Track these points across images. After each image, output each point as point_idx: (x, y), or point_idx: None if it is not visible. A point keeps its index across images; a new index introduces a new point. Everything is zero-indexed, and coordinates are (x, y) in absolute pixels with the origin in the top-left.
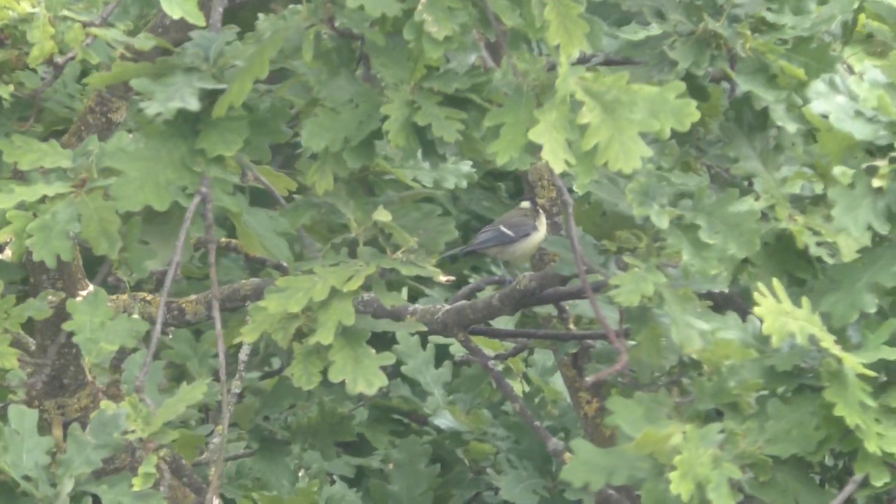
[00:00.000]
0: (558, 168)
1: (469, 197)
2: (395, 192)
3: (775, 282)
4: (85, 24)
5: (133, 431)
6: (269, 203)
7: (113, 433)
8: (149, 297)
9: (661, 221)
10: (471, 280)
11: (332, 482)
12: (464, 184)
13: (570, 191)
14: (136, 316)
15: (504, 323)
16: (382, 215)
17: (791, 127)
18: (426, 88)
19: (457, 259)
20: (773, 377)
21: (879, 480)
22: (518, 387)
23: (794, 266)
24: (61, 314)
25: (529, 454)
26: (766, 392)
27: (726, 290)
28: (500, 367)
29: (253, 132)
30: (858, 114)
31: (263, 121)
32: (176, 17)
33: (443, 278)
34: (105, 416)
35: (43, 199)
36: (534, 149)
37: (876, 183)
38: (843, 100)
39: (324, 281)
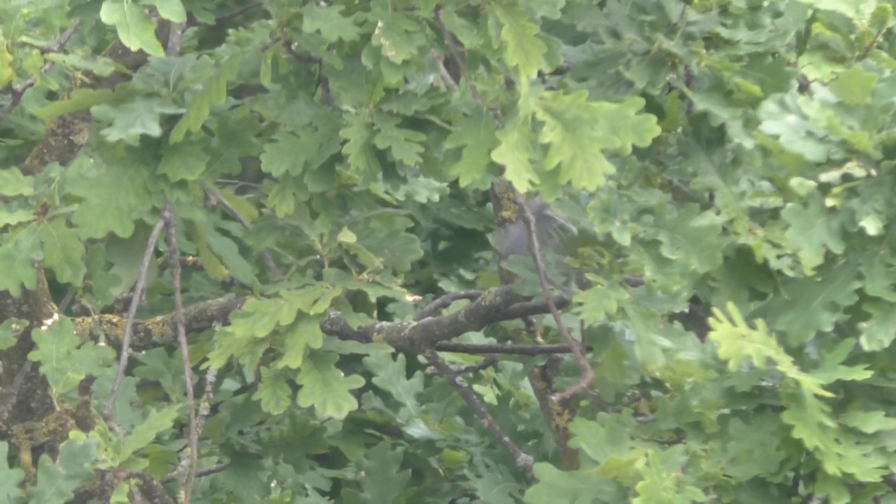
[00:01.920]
0: (522, 188)
1: (437, 205)
2: (368, 205)
3: (730, 305)
4: (43, 51)
5: (103, 461)
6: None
7: (84, 463)
8: (115, 320)
9: (623, 238)
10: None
11: (307, 495)
12: (436, 197)
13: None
14: (102, 343)
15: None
16: (347, 236)
17: (748, 143)
18: (385, 111)
19: (426, 265)
20: (733, 397)
21: (840, 501)
22: (489, 392)
23: (755, 280)
24: (27, 341)
25: (504, 458)
26: (727, 411)
27: (686, 310)
28: (469, 376)
29: (223, 145)
30: (809, 134)
31: (234, 133)
32: (134, 48)
33: (409, 298)
34: (75, 446)
35: (5, 228)
36: (496, 169)
37: (829, 202)
38: (794, 119)
39: (290, 304)
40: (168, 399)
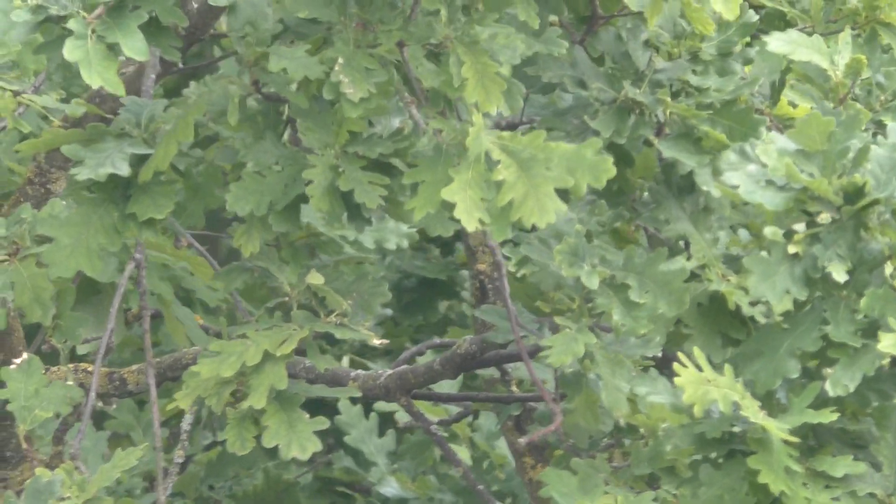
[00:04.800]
0: (471, 227)
1: (400, 255)
2: (336, 252)
3: (696, 350)
4: (16, 93)
5: (68, 498)
6: None
7: (48, 500)
8: (90, 368)
9: (592, 282)
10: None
11: None
12: (405, 243)
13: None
14: (70, 383)
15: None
16: (315, 279)
17: (717, 191)
18: (350, 153)
19: (399, 323)
20: (703, 443)
21: None
22: (464, 453)
23: (729, 326)
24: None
25: None
26: (699, 456)
27: (659, 354)
28: (444, 433)
29: (188, 198)
30: (769, 183)
31: (198, 186)
32: (95, 86)
33: (377, 341)
34: (40, 483)
35: None
36: (451, 206)
37: (792, 249)
38: (754, 168)
39: (257, 345)
40: None
